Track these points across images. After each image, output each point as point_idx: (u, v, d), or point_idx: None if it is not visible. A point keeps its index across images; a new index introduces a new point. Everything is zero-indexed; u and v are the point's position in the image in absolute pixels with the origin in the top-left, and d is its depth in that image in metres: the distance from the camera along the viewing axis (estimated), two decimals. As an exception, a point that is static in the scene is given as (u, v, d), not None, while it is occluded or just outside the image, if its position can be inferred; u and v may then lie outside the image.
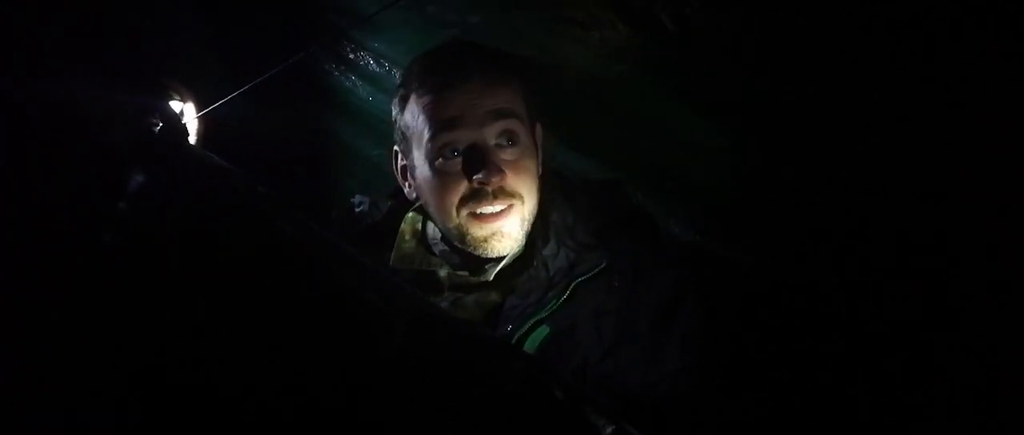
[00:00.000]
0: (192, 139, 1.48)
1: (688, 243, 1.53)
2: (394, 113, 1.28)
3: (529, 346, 1.16)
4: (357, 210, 1.35)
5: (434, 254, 1.27)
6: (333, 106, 1.92)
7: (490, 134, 1.18)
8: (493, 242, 1.19)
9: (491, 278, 1.23)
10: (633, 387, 1.11)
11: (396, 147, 1.31)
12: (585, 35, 1.25)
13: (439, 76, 1.20)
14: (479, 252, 1.21)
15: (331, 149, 2.01)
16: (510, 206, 1.18)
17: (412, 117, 1.22)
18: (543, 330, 1.16)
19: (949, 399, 1.21)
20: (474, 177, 1.16)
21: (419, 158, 1.22)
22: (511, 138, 1.19)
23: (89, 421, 0.58)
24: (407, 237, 1.29)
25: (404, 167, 1.29)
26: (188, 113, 1.48)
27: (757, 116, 1.29)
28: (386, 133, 1.87)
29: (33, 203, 0.63)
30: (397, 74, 1.71)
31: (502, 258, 1.22)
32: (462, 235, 1.20)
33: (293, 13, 1.72)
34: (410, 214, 1.30)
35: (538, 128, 1.28)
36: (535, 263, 1.21)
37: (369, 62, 1.74)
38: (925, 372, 1.24)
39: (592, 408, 0.69)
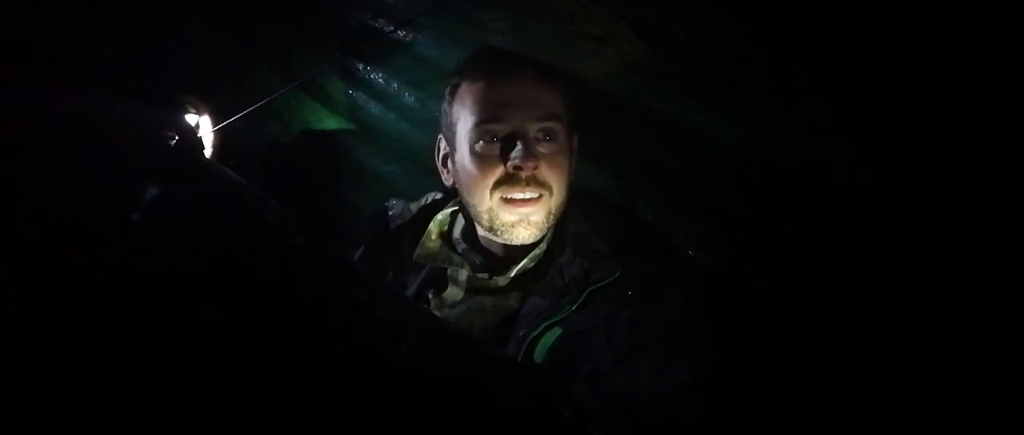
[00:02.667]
0: (207, 152, 1.49)
1: (700, 260, 1.53)
2: (444, 103, 1.34)
3: (542, 347, 1.17)
4: (390, 213, 1.41)
5: (457, 253, 1.32)
6: (345, 123, 1.94)
7: (531, 126, 1.23)
8: (519, 228, 1.25)
9: (509, 280, 1.27)
10: (641, 401, 1.11)
11: (441, 135, 1.36)
12: (602, 49, 1.26)
13: (493, 67, 1.27)
14: (505, 238, 1.26)
15: (342, 165, 2.03)
16: (540, 196, 1.24)
17: (461, 104, 1.29)
18: (556, 331, 1.18)
19: (962, 420, 1.20)
20: (510, 162, 1.21)
21: (462, 142, 1.28)
22: (550, 134, 1.25)
23: (94, 430, 0.58)
24: (433, 235, 1.35)
25: (446, 155, 1.36)
26: (204, 126, 1.49)
27: (770, 131, 1.29)
28: (397, 150, 1.89)
29: (47, 214, 0.64)
30: (409, 93, 1.72)
31: (521, 260, 1.27)
32: (492, 219, 1.26)
33: (308, 29, 1.74)
34: (440, 215, 1.37)
35: (575, 138, 1.34)
36: (551, 270, 1.24)
37: (381, 80, 1.75)
38: (938, 393, 1.23)
39: (598, 427, 0.68)
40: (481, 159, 1.24)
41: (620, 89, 1.37)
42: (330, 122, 1.97)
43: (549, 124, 1.24)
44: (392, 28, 1.56)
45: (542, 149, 1.24)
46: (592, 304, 1.20)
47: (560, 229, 1.29)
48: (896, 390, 1.27)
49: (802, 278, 1.40)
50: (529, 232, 1.25)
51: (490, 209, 1.25)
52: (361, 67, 1.76)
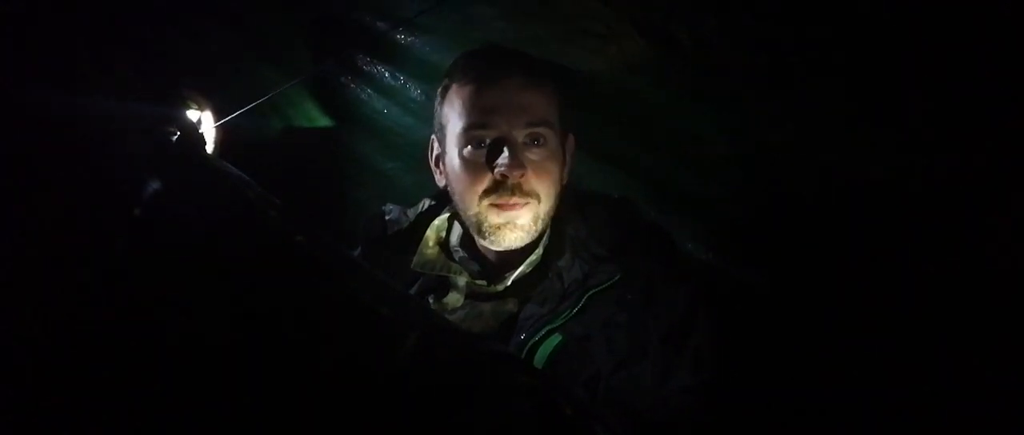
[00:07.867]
0: (209, 148, 1.49)
1: (702, 261, 1.53)
2: (436, 103, 1.34)
3: (542, 354, 1.16)
4: (387, 218, 1.40)
5: (454, 261, 1.31)
6: (348, 119, 1.93)
7: (519, 133, 1.22)
8: (506, 231, 1.24)
9: (507, 285, 1.26)
10: (644, 403, 1.11)
11: (433, 136, 1.36)
12: (603, 47, 1.26)
13: (480, 70, 1.25)
14: (492, 241, 1.25)
15: (344, 161, 2.02)
16: (527, 203, 1.23)
17: (450, 107, 1.28)
18: (556, 338, 1.17)
19: (965, 424, 1.19)
20: (496, 169, 1.21)
21: (451, 146, 1.27)
22: (539, 140, 1.24)
23: (95, 426, 0.58)
24: (430, 243, 1.34)
25: (438, 155, 1.35)
26: (206, 122, 1.49)
27: (772, 133, 1.28)
28: (400, 146, 1.89)
29: (49, 209, 0.64)
30: (412, 87, 1.72)
31: (518, 266, 1.26)
32: (479, 223, 1.25)
33: (312, 24, 1.74)
34: (437, 221, 1.36)
35: (570, 139, 1.33)
36: (550, 275, 1.24)
37: (385, 75, 1.75)
38: (940, 393, 1.23)
39: (601, 426, 0.68)
40: (469, 165, 1.24)
41: (623, 88, 1.37)
42: (333, 118, 1.97)
43: (538, 129, 1.23)
44: (394, 26, 1.56)
45: (531, 155, 1.23)
46: (591, 308, 1.19)
47: (558, 232, 1.28)
48: (900, 390, 1.27)
49: (810, 284, 1.39)
50: (516, 235, 1.24)
51: (478, 213, 1.24)
52: (365, 63, 1.75)
